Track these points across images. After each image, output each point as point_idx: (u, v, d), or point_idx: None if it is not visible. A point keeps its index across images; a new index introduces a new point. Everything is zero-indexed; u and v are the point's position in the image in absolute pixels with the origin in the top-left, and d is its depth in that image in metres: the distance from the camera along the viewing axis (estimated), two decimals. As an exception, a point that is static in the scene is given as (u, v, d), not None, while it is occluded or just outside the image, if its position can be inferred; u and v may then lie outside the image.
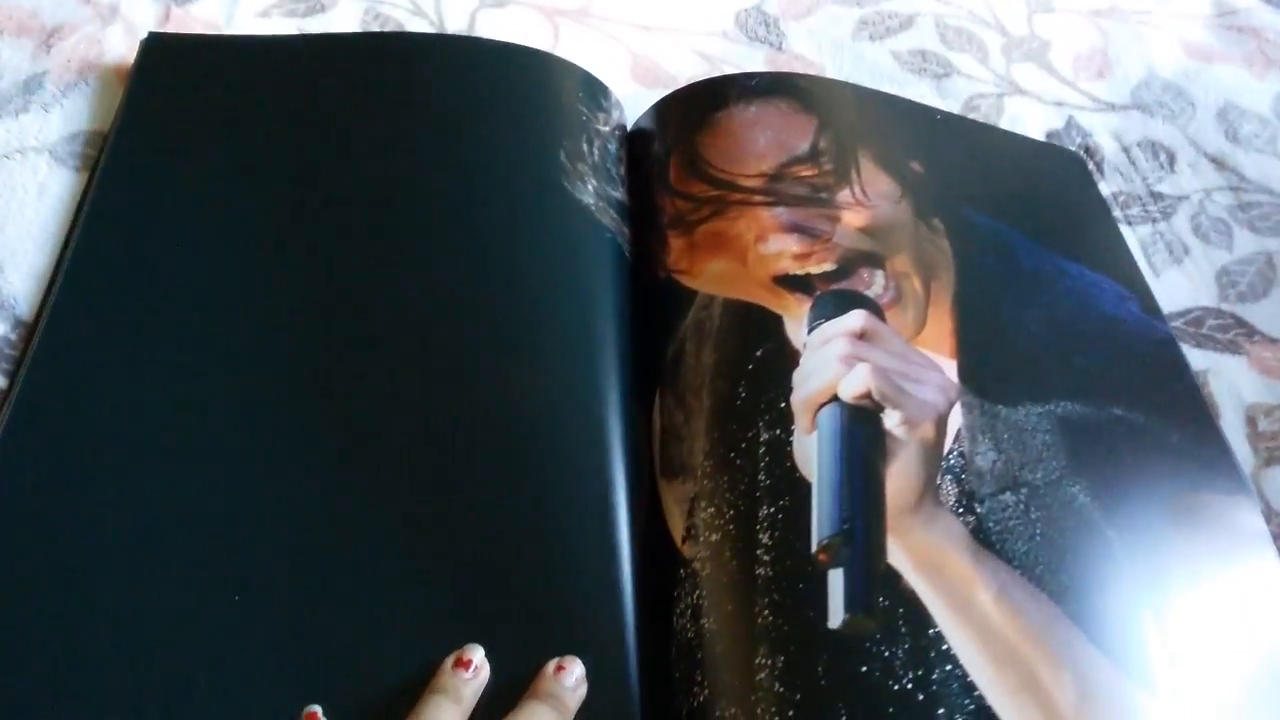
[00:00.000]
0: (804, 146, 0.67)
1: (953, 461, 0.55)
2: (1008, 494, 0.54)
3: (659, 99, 0.72)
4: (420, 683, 0.47)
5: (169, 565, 0.49)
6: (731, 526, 0.52)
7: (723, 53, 0.81)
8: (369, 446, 0.54)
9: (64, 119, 0.68)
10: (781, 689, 0.47)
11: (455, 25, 0.80)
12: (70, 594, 0.48)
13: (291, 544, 0.51)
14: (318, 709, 0.46)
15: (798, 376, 0.56)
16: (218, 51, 0.70)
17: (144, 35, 0.71)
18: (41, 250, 0.61)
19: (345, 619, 0.49)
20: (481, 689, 0.47)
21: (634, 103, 0.73)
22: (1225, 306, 0.68)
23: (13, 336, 0.57)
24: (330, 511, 0.52)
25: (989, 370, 0.59)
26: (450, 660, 0.47)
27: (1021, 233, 0.67)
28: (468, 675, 0.47)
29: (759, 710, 0.46)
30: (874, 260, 0.62)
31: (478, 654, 0.47)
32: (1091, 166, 0.76)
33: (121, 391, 0.54)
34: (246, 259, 0.60)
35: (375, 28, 0.78)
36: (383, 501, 0.52)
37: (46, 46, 0.71)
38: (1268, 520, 0.58)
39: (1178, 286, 0.69)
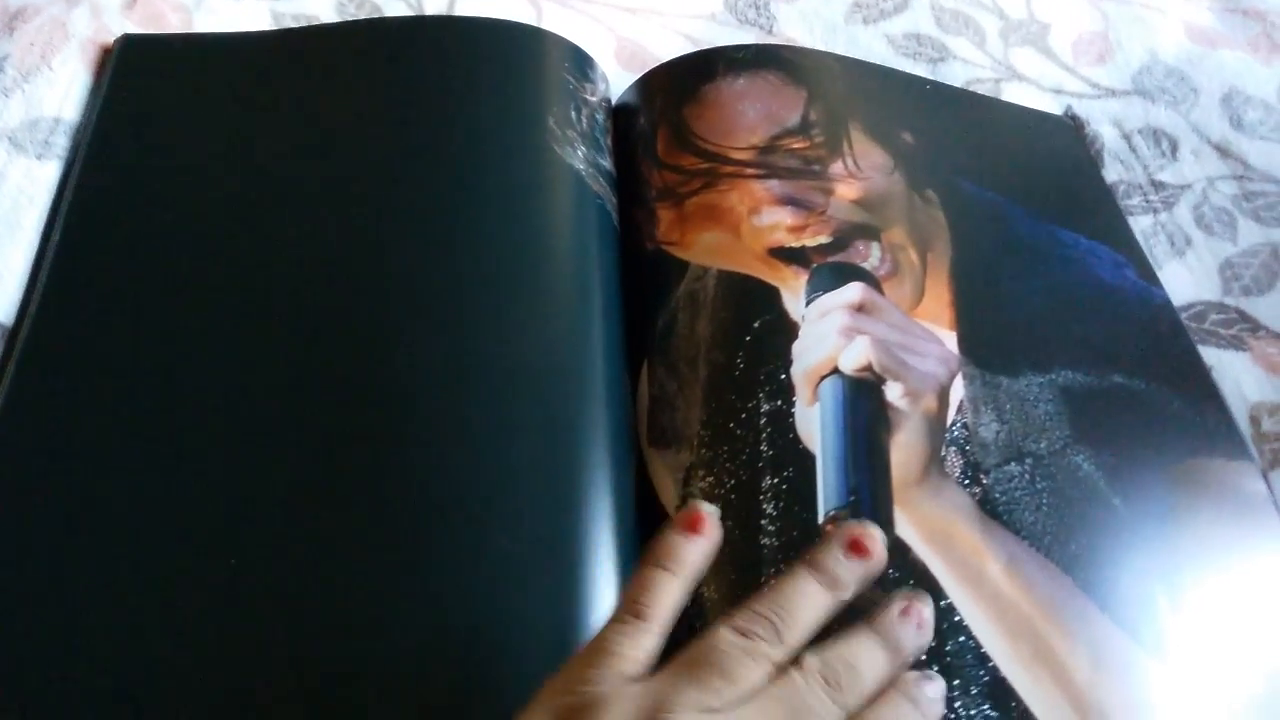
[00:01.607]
0: (794, 119, 0.66)
1: (956, 433, 0.54)
2: (1013, 465, 0.53)
3: (643, 73, 0.71)
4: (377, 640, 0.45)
5: (164, 563, 0.48)
6: (733, 496, 0.51)
7: (711, 36, 0.79)
8: (353, 421, 0.52)
9: (25, 104, 0.65)
10: None
11: (434, 7, 0.78)
12: (56, 591, 0.47)
13: (285, 517, 0.50)
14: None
15: (797, 349, 0.55)
16: (195, 50, 0.69)
17: (110, 17, 0.69)
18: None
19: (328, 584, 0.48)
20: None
21: (618, 87, 0.72)
22: (1229, 300, 0.66)
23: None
24: (319, 487, 0.50)
25: (989, 341, 0.58)
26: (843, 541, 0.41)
27: (1015, 202, 0.66)
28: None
29: None
30: (869, 232, 0.61)
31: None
32: (1095, 150, 0.74)
33: (113, 390, 0.53)
34: (237, 248, 0.58)
35: (351, 9, 0.76)
36: (363, 473, 0.51)
37: (9, 29, 0.68)
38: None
39: (1180, 279, 0.67)
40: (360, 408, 0.53)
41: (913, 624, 0.40)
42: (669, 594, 0.39)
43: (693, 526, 0.41)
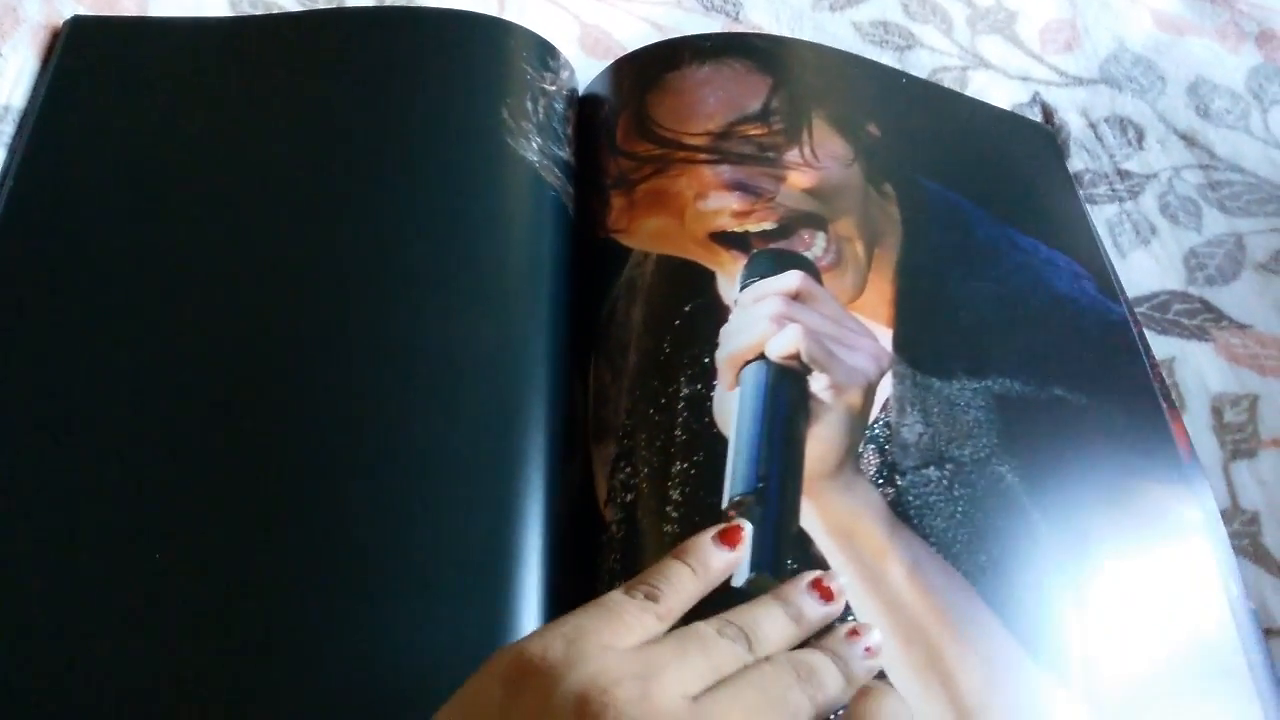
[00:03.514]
0: (755, 106, 0.65)
1: (877, 431, 0.53)
2: (931, 469, 0.52)
3: (613, 62, 0.70)
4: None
5: (86, 557, 0.48)
6: (645, 485, 0.51)
7: (676, 22, 0.78)
8: (288, 410, 0.52)
9: (-28, 91, 0.65)
10: None
11: (395, -8, 0.77)
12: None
13: (214, 504, 0.50)
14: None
15: (725, 332, 0.54)
16: (147, 33, 0.68)
17: (63, 2, 0.69)
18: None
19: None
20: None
21: (582, 74, 0.71)
22: (1193, 290, 0.66)
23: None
24: (250, 474, 0.50)
25: (926, 341, 0.57)
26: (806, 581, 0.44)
27: (978, 204, 0.64)
28: (818, 601, 0.44)
29: None
30: (816, 222, 0.60)
31: (835, 583, 0.44)
32: (1061, 139, 0.74)
33: (50, 378, 0.53)
34: (179, 235, 0.58)
35: (312, -7, 0.75)
36: (294, 460, 0.51)
37: (-38, 16, 0.68)
38: (1231, 519, 0.56)
39: (1144, 269, 0.67)
40: (297, 396, 0.53)
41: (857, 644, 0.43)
42: (686, 592, 0.41)
43: (729, 540, 0.44)
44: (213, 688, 0.45)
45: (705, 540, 0.43)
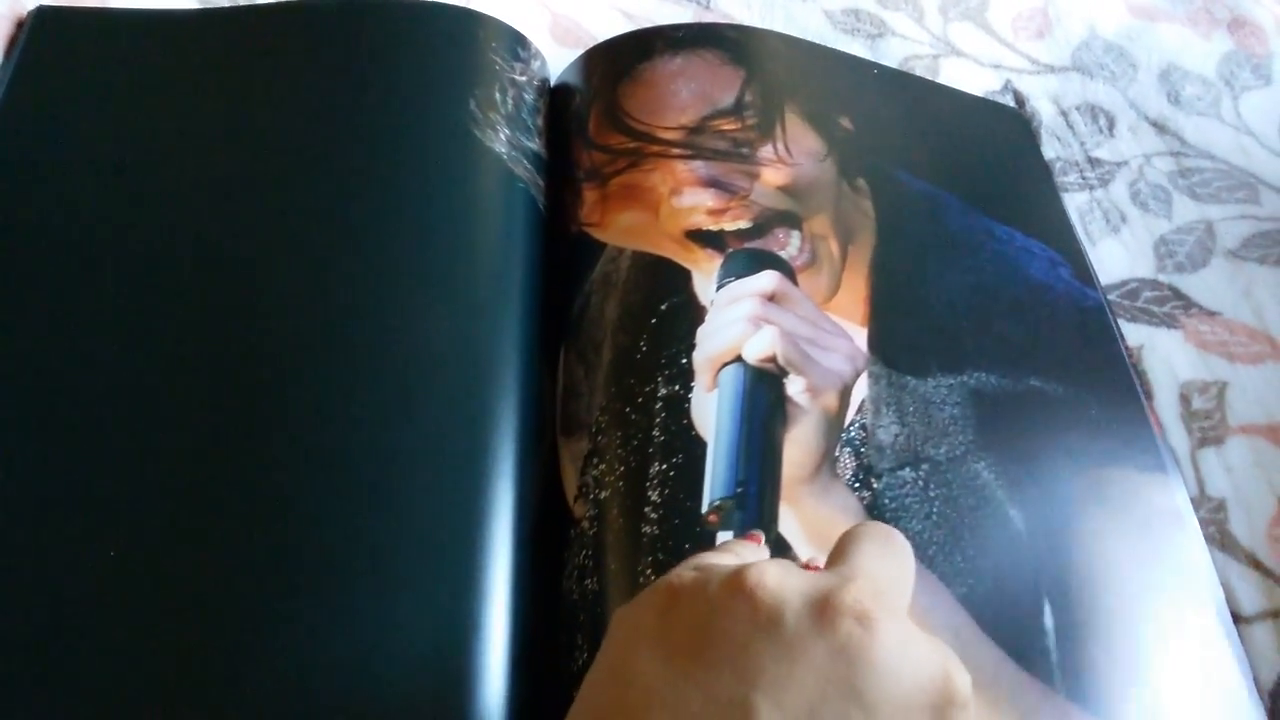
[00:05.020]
0: (728, 99, 0.65)
1: (853, 434, 0.53)
2: (907, 470, 0.52)
3: (583, 52, 0.70)
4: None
5: (45, 550, 0.48)
6: (621, 483, 0.51)
7: (647, 11, 0.78)
8: (252, 404, 0.52)
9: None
10: None
11: (365, -19, 0.76)
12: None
13: (176, 499, 0.49)
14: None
15: (702, 333, 0.55)
16: (114, 25, 0.67)
17: (27, -5, 0.68)
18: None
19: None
20: None
21: (554, 63, 0.71)
22: (1162, 277, 0.66)
23: None
24: (212, 469, 0.50)
25: (901, 339, 0.57)
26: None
27: (953, 194, 0.64)
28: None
29: None
30: (791, 220, 0.60)
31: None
32: (1033, 127, 0.74)
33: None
34: (143, 229, 0.57)
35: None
36: (257, 456, 0.50)
37: (-79, 6, 0.67)
38: (1199, 506, 0.56)
39: (1114, 257, 0.67)
40: (263, 389, 0.52)
41: None
42: None
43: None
44: (180, 678, 0.45)
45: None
